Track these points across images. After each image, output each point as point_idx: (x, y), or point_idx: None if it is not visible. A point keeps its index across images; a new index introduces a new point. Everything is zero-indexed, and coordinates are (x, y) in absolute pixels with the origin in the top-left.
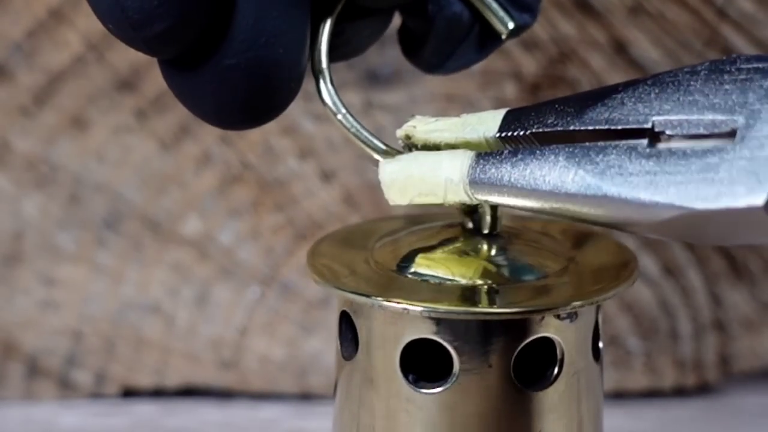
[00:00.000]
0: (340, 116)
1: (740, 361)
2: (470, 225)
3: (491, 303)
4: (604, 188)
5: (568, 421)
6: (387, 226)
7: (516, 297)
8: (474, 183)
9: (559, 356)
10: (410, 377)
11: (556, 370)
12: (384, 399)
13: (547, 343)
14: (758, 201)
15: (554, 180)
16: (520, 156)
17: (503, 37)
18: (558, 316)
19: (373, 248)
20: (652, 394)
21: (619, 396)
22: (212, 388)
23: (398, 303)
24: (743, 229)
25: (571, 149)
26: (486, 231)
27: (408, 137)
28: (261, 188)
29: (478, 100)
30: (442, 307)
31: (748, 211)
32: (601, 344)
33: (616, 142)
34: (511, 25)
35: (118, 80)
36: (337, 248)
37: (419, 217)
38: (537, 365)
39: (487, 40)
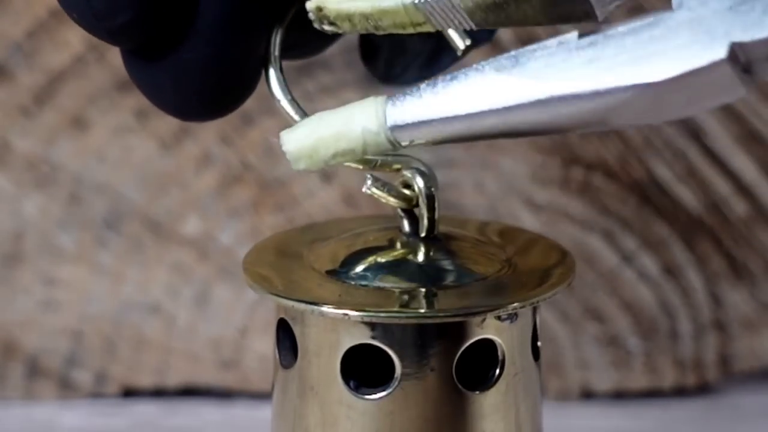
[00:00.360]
0: (284, 102)
1: (740, 361)
2: (407, 228)
3: (432, 306)
4: (547, 89)
5: (509, 421)
6: (324, 230)
7: (456, 299)
8: (396, 127)
9: (500, 357)
10: (351, 383)
11: (497, 372)
12: (325, 406)
13: (488, 345)
14: (720, 54)
15: (489, 96)
16: (440, 84)
17: (459, 54)
18: (499, 318)
19: (310, 254)
20: (652, 394)
21: (619, 396)
22: (212, 388)
23: (339, 309)
24: (706, 93)
25: (496, 62)
26: (423, 234)
27: (319, 9)
28: (261, 188)
29: None
30: (384, 312)
31: (711, 68)
32: (539, 344)
33: (543, 43)
34: (468, 42)
35: (118, 80)
36: (274, 255)
37: (357, 221)
38: (478, 367)
39: (443, 55)
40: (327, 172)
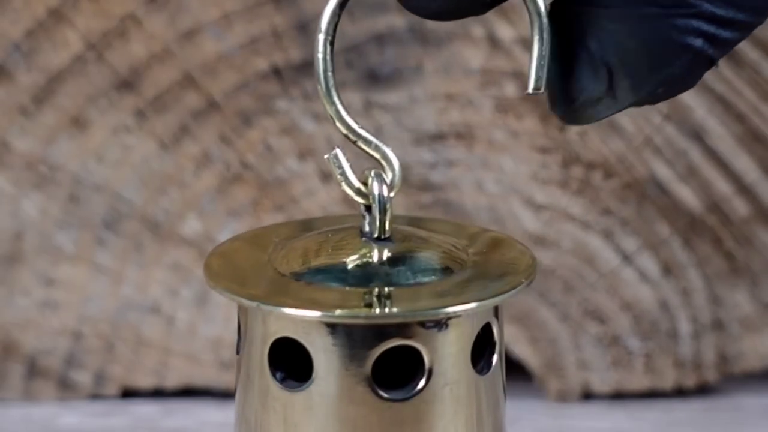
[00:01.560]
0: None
1: (740, 361)
2: (366, 228)
3: (356, 307)
4: None
5: None
6: (287, 230)
7: (381, 303)
8: None
9: (427, 366)
10: (278, 375)
11: (423, 381)
12: (257, 395)
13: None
14: None
15: None
16: None
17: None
18: (422, 324)
19: (272, 251)
20: (652, 395)
21: (619, 396)
22: (212, 389)
23: (250, 300)
24: None
25: None
26: (375, 235)
27: None
28: (261, 188)
29: (477, 99)
30: (285, 308)
31: None
32: (495, 357)
33: None
34: (528, 89)
35: (117, 80)
36: (237, 252)
37: (317, 221)
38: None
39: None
40: (327, 172)
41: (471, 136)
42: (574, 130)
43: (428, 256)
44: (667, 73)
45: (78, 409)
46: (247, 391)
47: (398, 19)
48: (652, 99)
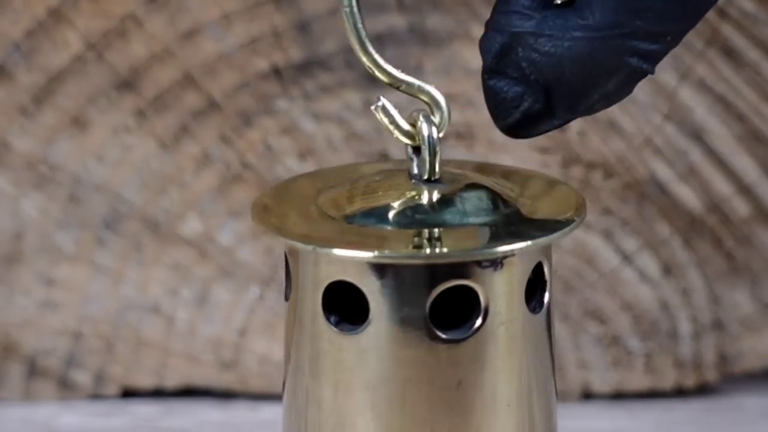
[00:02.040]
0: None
1: (740, 361)
2: (416, 170)
3: (413, 247)
4: None
5: (493, 372)
6: (335, 175)
7: (433, 244)
8: None
9: (483, 305)
10: (332, 319)
11: (479, 321)
12: (310, 340)
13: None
14: None
15: None
16: None
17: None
18: (479, 264)
19: (322, 195)
20: (652, 395)
21: (619, 396)
22: (212, 389)
23: (306, 243)
24: None
25: None
26: (425, 177)
27: None
28: (261, 188)
29: (478, 99)
30: (342, 250)
31: None
32: (547, 295)
33: None
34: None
35: (117, 80)
36: (289, 194)
37: (368, 165)
38: (469, 313)
39: None
40: None
41: (471, 136)
42: (574, 129)
43: (479, 197)
44: (604, 91)
45: (78, 409)
46: (299, 337)
47: (398, 19)
48: (589, 112)
